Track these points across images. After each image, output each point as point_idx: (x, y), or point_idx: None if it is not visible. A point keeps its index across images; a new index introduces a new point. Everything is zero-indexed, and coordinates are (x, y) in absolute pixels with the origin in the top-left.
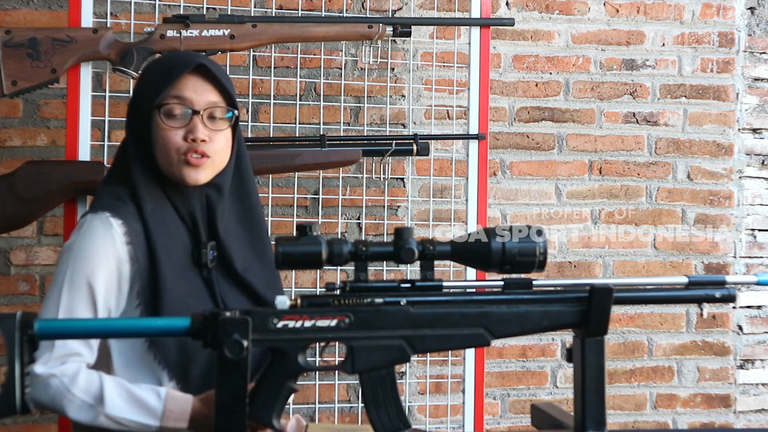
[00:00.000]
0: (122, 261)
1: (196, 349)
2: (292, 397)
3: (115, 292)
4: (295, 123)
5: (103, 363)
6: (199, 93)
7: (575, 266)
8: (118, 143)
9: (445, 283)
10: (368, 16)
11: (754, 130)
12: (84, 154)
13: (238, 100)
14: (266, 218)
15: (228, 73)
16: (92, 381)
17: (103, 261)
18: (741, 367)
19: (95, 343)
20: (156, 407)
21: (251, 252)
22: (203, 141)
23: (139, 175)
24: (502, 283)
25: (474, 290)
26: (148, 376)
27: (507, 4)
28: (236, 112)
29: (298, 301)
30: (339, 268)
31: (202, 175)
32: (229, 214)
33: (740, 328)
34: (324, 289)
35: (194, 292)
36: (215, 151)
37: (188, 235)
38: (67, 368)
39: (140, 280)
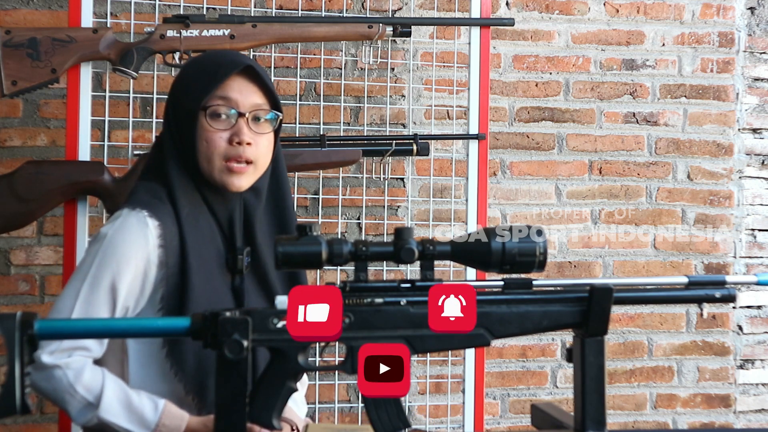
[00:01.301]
0: (151, 264)
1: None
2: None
3: (137, 293)
4: (295, 123)
5: (117, 360)
6: (245, 94)
7: (575, 266)
8: (118, 143)
9: (445, 283)
10: (368, 16)
11: (754, 130)
12: (84, 154)
13: None
14: None
15: None
16: (95, 380)
17: (131, 261)
18: (741, 367)
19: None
20: (151, 419)
21: None
22: (248, 144)
23: (175, 176)
24: (502, 283)
25: None
26: (163, 382)
27: (507, 4)
28: (281, 114)
29: None
30: (339, 268)
31: (245, 181)
32: (264, 219)
33: (740, 328)
34: None
35: (221, 302)
36: (258, 155)
37: (222, 240)
38: (73, 362)
39: (166, 285)
